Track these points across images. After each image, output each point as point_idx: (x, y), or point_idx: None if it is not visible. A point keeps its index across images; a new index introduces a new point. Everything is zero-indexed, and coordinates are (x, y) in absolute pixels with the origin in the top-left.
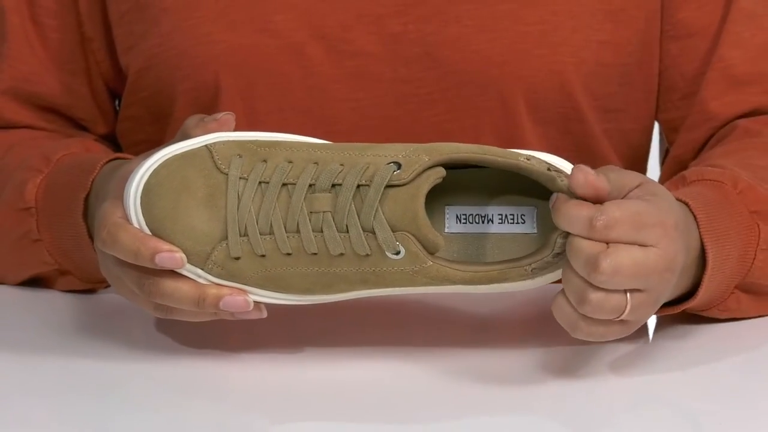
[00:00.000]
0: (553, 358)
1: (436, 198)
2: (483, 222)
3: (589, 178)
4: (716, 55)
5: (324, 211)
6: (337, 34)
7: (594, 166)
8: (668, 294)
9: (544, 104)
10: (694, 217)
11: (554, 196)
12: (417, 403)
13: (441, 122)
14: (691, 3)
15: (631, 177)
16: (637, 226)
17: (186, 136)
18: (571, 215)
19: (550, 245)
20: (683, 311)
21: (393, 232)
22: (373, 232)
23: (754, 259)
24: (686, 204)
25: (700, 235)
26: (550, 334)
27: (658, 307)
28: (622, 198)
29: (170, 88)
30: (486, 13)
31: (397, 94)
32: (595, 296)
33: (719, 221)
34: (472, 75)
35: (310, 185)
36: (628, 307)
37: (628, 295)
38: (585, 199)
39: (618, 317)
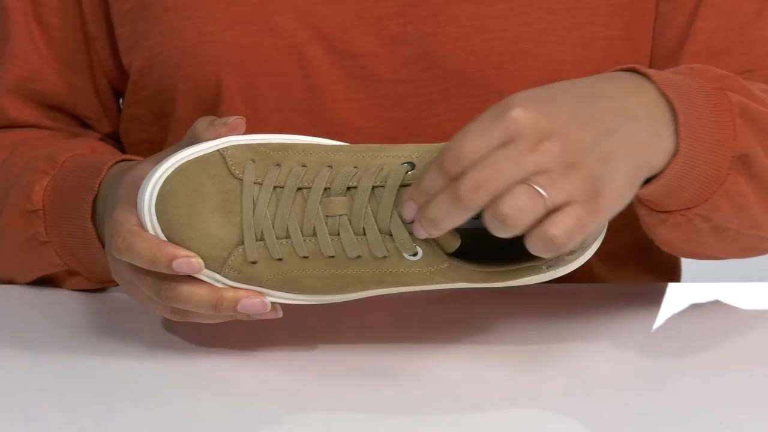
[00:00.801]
0: (554, 356)
1: None
2: None
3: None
4: (695, 27)
5: (340, 215)
6: (337, 35)
7: None
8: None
9: None
10: (647, 78)
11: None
12: (422, 399)
13: (440, 122)
14: None
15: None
16: (476, 134)
17: (195, 139)
18: (429, 181)
19: None
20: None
21: (410, 233)
22: (390, 234)
23: (734, 124)
24: (624, 70)
25: (660, 89)
26: (553, 333)
27: (597, 165)
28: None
29: (171, 88)
30: (484, 13)
31: (396, 94)
32: (501, 212)
33: (679, 82)
34: (471, 75)
35: (325, 189)
36: (543, 192)
37: (526, 184)
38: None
39: (550, 206)
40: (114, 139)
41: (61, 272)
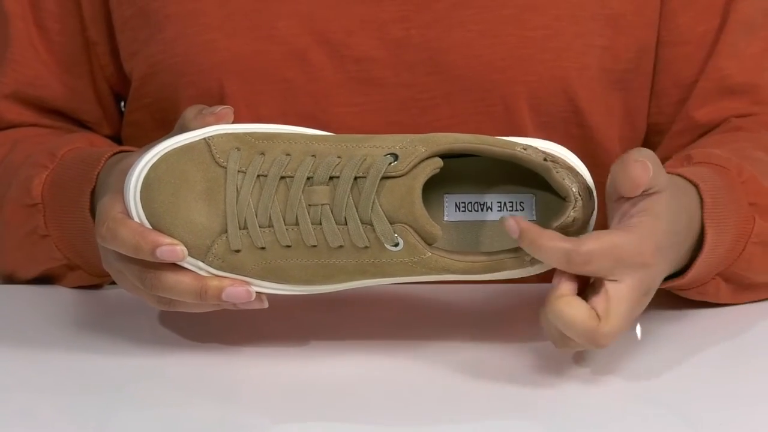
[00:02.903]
0: (554, 355)
1: (435, 186)
2: (482, 210)
3: (640, 182)
4: (711, 64)
5: (322, 204)
6: (340, 40)
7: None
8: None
9: (547, 109)
10: (701, 199)
11: (511, 223)
12: (420, 399)
13: (444, 127)
14: (689, 10)
15: (658, 180)
16: (614, 259)
17: (184, 128)
18: (548, 248)
19: None
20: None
21: (391, 224)
22: (371, 225)
23: (743, 250)
24: (695, 185)
25: (703, 218)
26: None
27: (642, 309)
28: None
29: (174, 95)
30: (489, 18)
31: (400, 99)
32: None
33: (722, 207)
34: (475, 80)
35: (308, 178)
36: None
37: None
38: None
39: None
40: (115, 141)
41: (61, 268)
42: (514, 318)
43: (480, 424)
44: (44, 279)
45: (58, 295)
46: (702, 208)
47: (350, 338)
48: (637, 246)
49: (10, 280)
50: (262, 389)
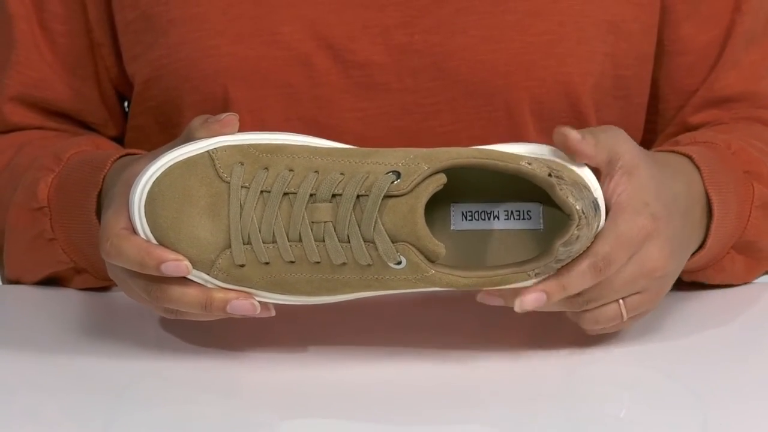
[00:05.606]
0: (555, 359)
1: (442, 196)
2: (489, 219)
3: (571, 146)
4: (713, 76)
5: (325, 222)
6: (343, 45)
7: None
8: (676, 273)
9: (550, 114)
10: (698, 170)
11: (531, 300)
12: (422, 403)
13: (447, 132)
14: (693, 20)
15: (616, 149)
16: (627, 245)
17: (190, 137)
18: (576, 279)
19: (553, 252)
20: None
21: (393, 242)
22: (374, 243)
23: (750, 215)
24: (689, 157)
25: (705, 188)
26: (553, 336)
27: (666, 290)
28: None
29: (178, 100)
30: (492, 24)
31: (403, 104)
32: (586, 317)
33: (719, 174)
34: (478, 85)
35: (311, 195)
36: (625, 313)
37: (621, 302)
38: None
39: (620, 322)
40: (119, 142)
41: (68, 271)
42: (517, 321)
43: (481, 427)
44: (51, 282)
45: (64, 297)
46: (702, 177)
47: (352, 341)
48: (636, 221)
49: (17, 283)
50: (264, 391)
